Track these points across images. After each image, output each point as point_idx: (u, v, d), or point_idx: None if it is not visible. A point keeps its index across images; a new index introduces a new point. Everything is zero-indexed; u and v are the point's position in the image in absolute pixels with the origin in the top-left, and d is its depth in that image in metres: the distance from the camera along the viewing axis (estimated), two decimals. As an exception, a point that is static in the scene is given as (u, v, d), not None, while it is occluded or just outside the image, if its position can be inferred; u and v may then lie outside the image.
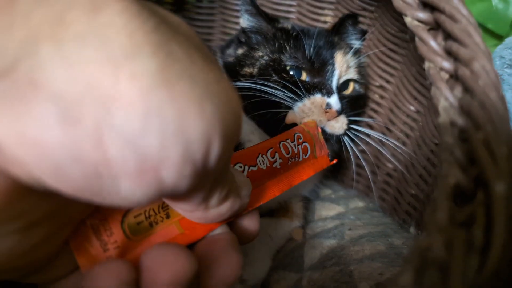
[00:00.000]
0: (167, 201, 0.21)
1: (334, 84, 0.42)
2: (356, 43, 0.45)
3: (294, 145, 0.30)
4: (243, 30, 0.46)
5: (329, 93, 0.40)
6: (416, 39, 0.23)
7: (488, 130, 0.16)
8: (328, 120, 0.40)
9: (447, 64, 0.21)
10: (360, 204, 0.49)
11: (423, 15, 0.23)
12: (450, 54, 0.21)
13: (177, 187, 0.15)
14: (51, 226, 0.18)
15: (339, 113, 0.40)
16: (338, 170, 0.52)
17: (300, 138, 0.31)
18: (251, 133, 0.41)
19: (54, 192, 0.14)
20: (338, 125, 0.41)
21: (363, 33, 0.46)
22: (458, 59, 0.20)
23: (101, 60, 0.12)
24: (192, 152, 0.14)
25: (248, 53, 0.44)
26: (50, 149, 0.13)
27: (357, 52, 0.46)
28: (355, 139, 0.42)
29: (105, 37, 0.13)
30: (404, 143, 0.43)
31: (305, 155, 0.31)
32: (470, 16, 0.20)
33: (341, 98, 0.42)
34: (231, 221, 0.23)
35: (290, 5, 0.50)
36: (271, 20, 0.45)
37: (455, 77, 0.20)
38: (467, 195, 0.16)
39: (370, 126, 0.47)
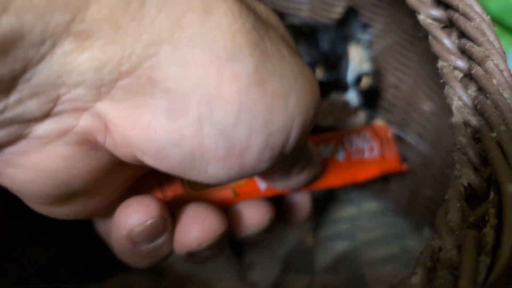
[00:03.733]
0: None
1: (349, 78, 0.42)
2: (364, 36, 0.45)
3: (360, 141, 0.30)
4: None
5: (345, 89, 0.40)
6: (430, 37, 0.23)
7: (501, 130, 0.15)
8: (348, 117, 0.39)
9: (461, 63, 0.20)
10: (373, 205, 0.48)
11: (436, 12, 0.23)
12: (464, 52, 0.21)
13: (255, 169, 0.17)
14: (127, 184, 0.21)
15: (358, 108, 0.40)
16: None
17: (366, 137, 0.30)
18: None
19: (143, 165, 0.16)
20: (358, 120, 0.40)
21: (365, 26, 0.45)
22: (471, 58, 0.19)
23: (208, 60, 0.14)
24: (273, 140, 0.16)
25: None
26: (157, 135, 0.15)
27: (368, 45, 0.45)
28: None
29: (212, 38, 0.14)
30: (418, 144, 0.42)
31: (371, 153, 0.30)
32: (484, 14, 0.20)
33: (357, 92, 0.41)
34: (283, 200, 0.25)
35: (301, 3, 0.50)
36: (279, 17, 0.45)
37: (469, 76, 0.20)
38: (480, 195, 0.16)
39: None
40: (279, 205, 0.25)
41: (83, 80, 0.13)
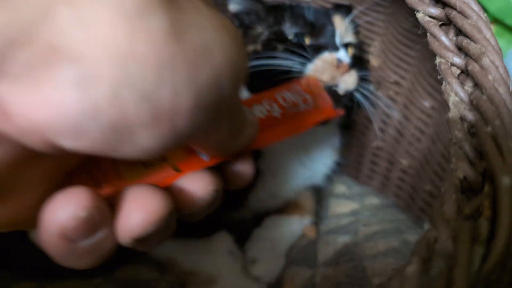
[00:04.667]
0: (190, 145, 0.21)
1: (338, 41, 0.43)
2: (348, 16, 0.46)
3: (293, 95, 0.30)
4: (234, 15, 0.47)
5: (336, 49, 0.41)
6: (428, 34, 0.23)
7: (496, 125, 0.16)
8: (342, 74, 0.39)
9: (458, 60, 0.21)
10: (374, 200, 0.49)
11: (434, 10, 0.23)
12: (461, 49, 0.21)
13: (191, 132, 0.15)
14: (50, 181, 0.18)
15: (351, 66, 0.40)
16: (352, 164, 0.52)
17: (298, 90, 0.30)
18: None
19: (61, 153, 0.14)
20: (351, 80, 0.40)
21: (350, 9, 0.47)
22: (468, 54, 0.20)
23: (116, 20, 0.12)
24: (204, 97, 0.14)
25: (245, 34, 0.45)
26: (69, 111, 0.13)
27: (351, 20, 0.46)
28: (366, 94, 0.42)
29: None
30: (418, 140, 0.43)
31: (306, 105, 0.30)
32: (481, 12, 0.20)
33: (347, 52, 0.42)
34: (225, 166, 0.24)
35: (304, 2, 0.51)
36: (259, 1, 0.46)
37: (465, 72, 0.20)
38: (475, 188, 0.16)
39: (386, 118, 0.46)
40: (223, 173, 0.23)
41: None
